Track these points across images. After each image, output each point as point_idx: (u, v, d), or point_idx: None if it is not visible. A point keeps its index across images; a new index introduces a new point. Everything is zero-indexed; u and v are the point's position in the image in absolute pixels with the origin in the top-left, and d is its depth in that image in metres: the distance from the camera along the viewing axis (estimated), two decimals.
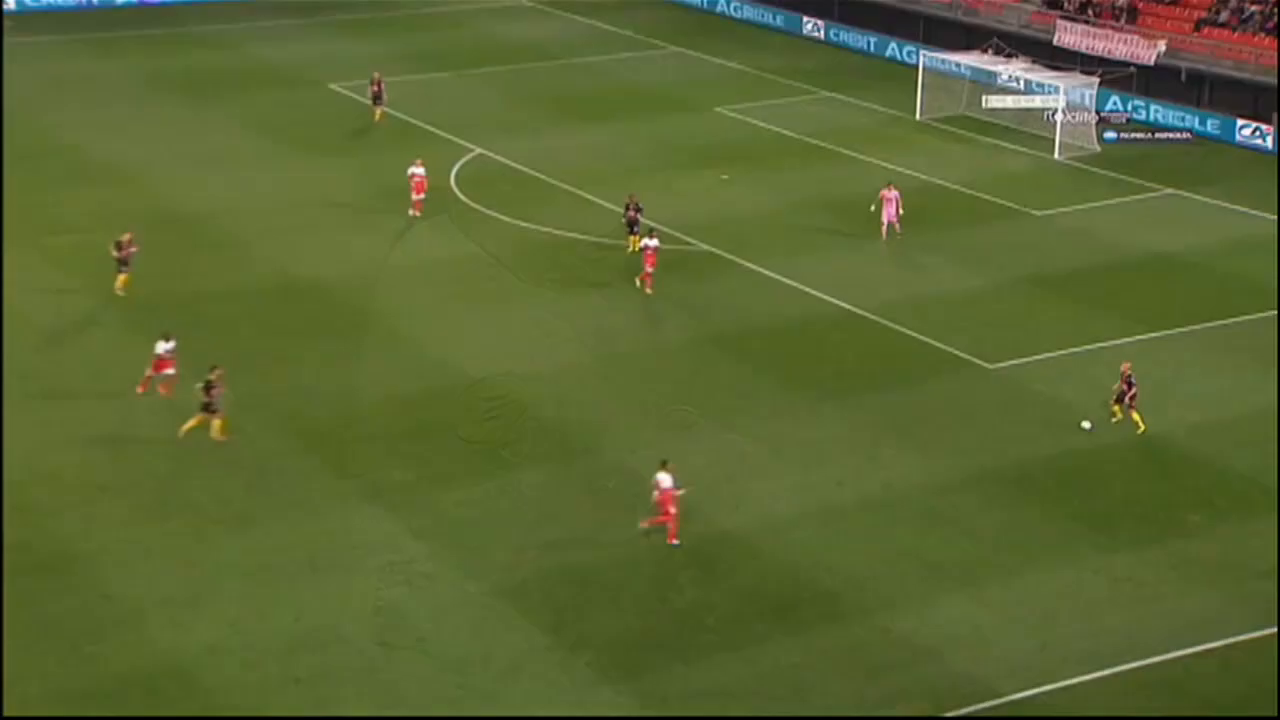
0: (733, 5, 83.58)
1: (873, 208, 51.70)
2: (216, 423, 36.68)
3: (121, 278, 45.71)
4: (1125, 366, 38.21)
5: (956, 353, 42.66)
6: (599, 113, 66.40)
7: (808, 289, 47.10)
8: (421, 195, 52.31)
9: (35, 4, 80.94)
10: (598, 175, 57.11)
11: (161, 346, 38.36)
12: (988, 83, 65.32)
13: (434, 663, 29.17)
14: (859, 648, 29.77)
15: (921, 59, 67.33)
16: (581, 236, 51.12)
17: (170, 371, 38.39)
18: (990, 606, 31.10)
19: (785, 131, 63.72)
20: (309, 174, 57.97)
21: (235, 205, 54.14)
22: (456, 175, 57.23)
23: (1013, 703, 28.12)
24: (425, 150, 58.45)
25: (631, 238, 48.43)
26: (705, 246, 50.27)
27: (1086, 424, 37.52)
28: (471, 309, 45.75)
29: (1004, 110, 64.06)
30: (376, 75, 64.63)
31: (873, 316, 45.17)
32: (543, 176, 57.36)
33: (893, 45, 74.57)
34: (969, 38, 70.50)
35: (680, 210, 53.20)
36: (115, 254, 45.62)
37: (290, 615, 30.38)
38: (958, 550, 33.12)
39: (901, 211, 51.21)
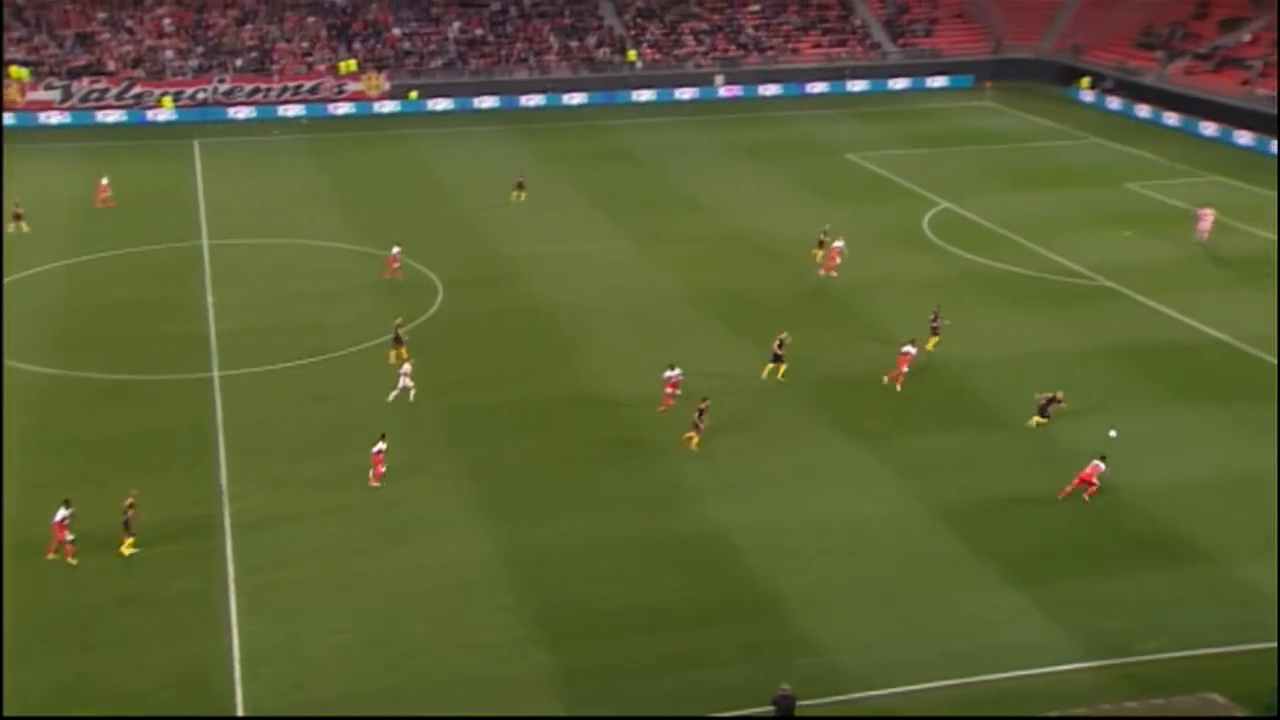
0: (1134, 108, 77.43)
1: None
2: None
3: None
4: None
5: None
6: (1035, 183, 62.43)
7: (1181, 317, 43.24)
8: (837, 260, 47.14)
9: (677, 99, 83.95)
10: (1032, 228, 53.71)
11: None
12: None
13: (893, 550, 28.85)
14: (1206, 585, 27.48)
15: None
16: (1023, 271, 48.37)
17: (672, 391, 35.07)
18: None
19: (1174, 202, 58.17)
20: (819, 212, 55.23)
21: (771, 230, 53.72)
22: (928, 222, 55.16)
23: None
24: (901, 201, 56.69)
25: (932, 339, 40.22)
26: (1106, 283, 46.68)
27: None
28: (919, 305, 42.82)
29: None
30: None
31: (1239, 344, 41.07)
32: (990, 226, 54.51)
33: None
34: None
35: (1091, 255, 49.71)
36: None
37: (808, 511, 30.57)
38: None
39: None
